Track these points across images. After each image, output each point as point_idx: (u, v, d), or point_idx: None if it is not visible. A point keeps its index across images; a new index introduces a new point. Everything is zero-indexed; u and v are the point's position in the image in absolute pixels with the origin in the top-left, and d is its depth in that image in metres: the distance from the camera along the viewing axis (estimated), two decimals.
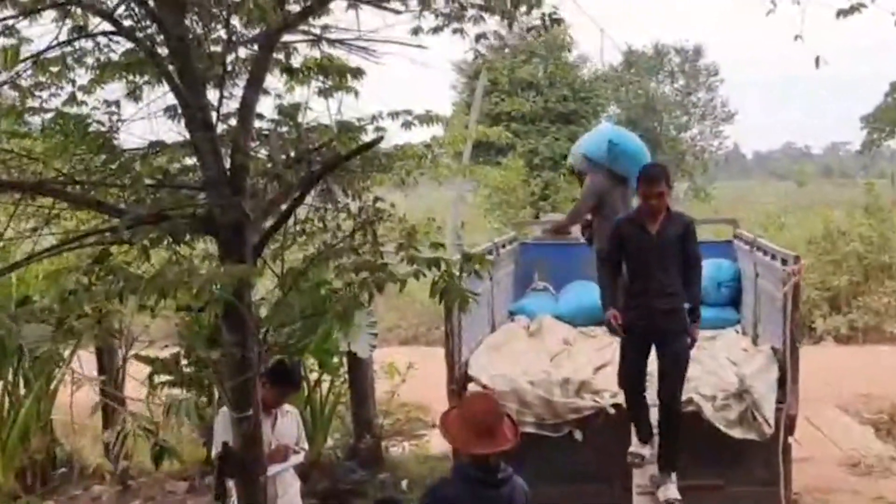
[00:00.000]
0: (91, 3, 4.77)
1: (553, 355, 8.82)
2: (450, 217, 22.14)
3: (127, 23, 4.89)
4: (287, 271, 5.30)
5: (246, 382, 5.51)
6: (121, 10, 4.84)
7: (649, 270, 7.03)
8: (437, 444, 10.85)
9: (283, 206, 5.71)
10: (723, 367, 8.28)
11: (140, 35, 4.90)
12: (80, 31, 4.96)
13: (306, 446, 6.74)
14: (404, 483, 9.78)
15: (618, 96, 42.25)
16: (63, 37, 4.90)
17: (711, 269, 10.46)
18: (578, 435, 7.45)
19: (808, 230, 20.95)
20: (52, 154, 5.16)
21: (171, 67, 4.86)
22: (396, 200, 5.73)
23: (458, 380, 7.63)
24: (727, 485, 7.41)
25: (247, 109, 5.17)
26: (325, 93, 5.56)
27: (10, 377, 9.78)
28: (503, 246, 10.52)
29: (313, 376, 9.93)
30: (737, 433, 7.28)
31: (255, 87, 5.08)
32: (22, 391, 9.85)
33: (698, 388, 7.49)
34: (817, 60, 5.83)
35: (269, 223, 5.70)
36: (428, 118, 5.67)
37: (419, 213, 7.69)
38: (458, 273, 4.90)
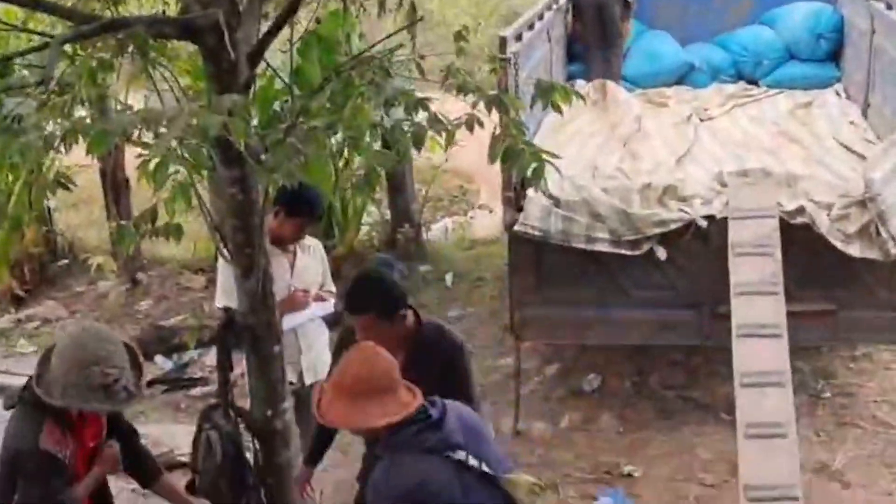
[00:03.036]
0: None
1: (625, 139, 7.36)
2: None
3: None
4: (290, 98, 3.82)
5: (249, 232, 4.23)
6: None
7: None
8: (481, 225, 9.67)
9: None
10: (834, 156, 6.82)
11: None
12: None
13: (333, 289, 5.48)
14: (448, 277, 8.66)
15: None
16: None
17: (808, 17, 8.87)
18: (661, 253, 6.11)
19: None
20: None
21: None
22: None
23: (514, 184, 6.20)
24: (841, 310, 6.13)
25: None
26: None
27: None
28: None
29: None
30: (855, 250, 5.92)
31: None
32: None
33: (811, 192, 6.07)
34: None
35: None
36: None
37: None
38: (530, 110, 3.47)
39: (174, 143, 3.03)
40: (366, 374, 3.21)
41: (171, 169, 2.96)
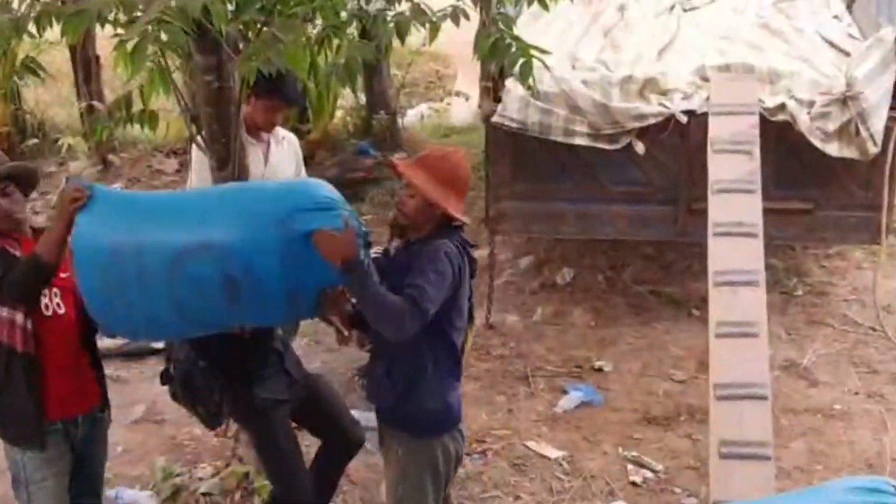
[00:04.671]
0: None
1: (607, 30, 7.20)
2: None
3: None
4: None
5: (225, 121, 4.16)
6: None
7: None
8: (458, 112, 9.54)
9: None
10: (818, 51, 6.72)
11: None
12: None
13: None
14: None
15: None
16: None
17: None
18: (640, 147, 6.05)
19: None
20: None
21: None
22: None
23: (493, 73, 6.09)
24: (817, 209, 6.13)
25: None
26: None
27: None
28: None
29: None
30: (833, 149, 5.87)
31: None
32: None
33: (793, 89, 5.99)
34: None
35: None
36: None
37: None
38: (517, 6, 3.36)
39: (151, 27, 2.93)
40: (462, 173, 3.54)
41: (149, 50, 2.85)
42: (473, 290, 3.72)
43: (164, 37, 2.91)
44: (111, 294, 3.40)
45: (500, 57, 3.04)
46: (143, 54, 2.72)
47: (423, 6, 3.07)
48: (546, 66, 3.28)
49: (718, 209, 5.46)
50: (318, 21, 4.02)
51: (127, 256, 3.34)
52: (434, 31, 3.08)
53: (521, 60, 3.06)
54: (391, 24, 2.97)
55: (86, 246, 3.38)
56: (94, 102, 7.62)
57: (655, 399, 5.71)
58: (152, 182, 8.60)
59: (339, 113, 9.00)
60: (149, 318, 3.44)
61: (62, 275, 3.57)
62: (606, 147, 6.04)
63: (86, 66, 8.75)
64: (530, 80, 3.18)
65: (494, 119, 6.06)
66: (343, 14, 3.68)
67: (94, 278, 3.38)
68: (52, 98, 10.14)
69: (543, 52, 3.20)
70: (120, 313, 3.45)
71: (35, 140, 9.07)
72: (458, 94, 9.04)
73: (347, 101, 9.17)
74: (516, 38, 3.10)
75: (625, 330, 6.51)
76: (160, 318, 3.44)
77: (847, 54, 6.55)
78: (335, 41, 3.49)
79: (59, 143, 8.49)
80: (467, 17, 3.06)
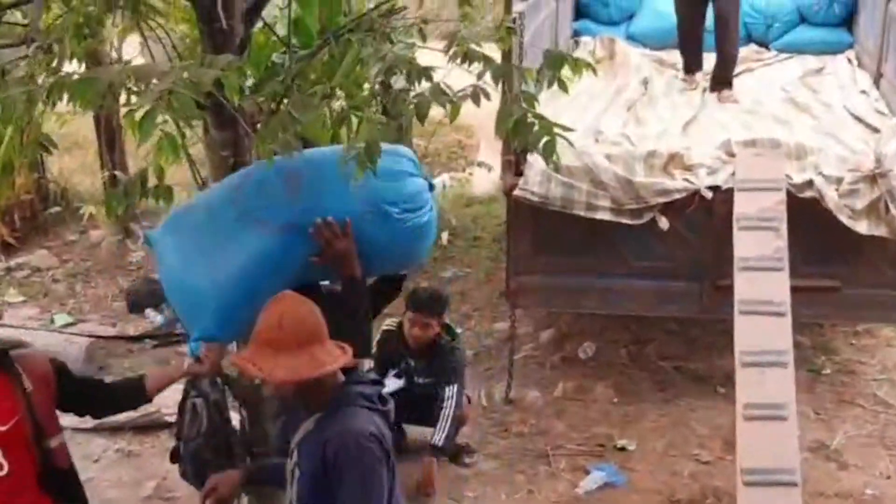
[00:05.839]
0: None
1: (631, 103, 7.17)
2: None
3: None
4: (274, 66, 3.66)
5: None
6: None
7: None
8: (480, 181, 9.51)
9: None
10: (845, 126, 6.65)
11: None
12: None
13: None
14: (444, 235, 8.48)
15: None
16: None
17: None
18: (664, 223, 5.96)
19: None
20: None
21: None
22: None
23: (515, 146, 6.02)
24: (845, 286, 5.99)
25: None
26: None
27: None
28: None
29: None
30: (862, 227, 5.77)
31: None
32: None
33: (820, 165, 5.90)
34: None
35: None
36: None
37: None
38: (538, 83, 3.31)
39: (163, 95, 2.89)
40: (309, 318, 2.93)
41: (159, 119, 2.80)
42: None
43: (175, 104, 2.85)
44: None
45: (523, 136, 2.98)
46: (153, 122, 2.67)
47: (443, 85, 3.02)
48: (570, 144, 3.20)
49: (745, 287, 5.37)
50: (340, 96, 4.01)
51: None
52: (455, 111, 3.04)
53: (544, 139, 2.99)
54: (411, 106, 2.90)
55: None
56: (117, 172, 7.63)
57: (681, 481, 5.55)
58: None
59: None
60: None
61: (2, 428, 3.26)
62: (630, 222, 5.95)
63: (109, 135, 8.80)
64: (555, 158, 3.11)
65: (516, 192, 6.00)
66: (365, 89, 3.64)
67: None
68: (77, 165, 10.19)
69: (567, 129, 3.13)
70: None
71: (58, 208, 9.08)
72: (480, 164, 8.98)
73: None
74: (539, 117, 3.03)
75: (648, 407, 6.36)
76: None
77: (875, 130, 6.48)
78: (355, 121, 3.43)
79: (81, 211, 8.49)
80: (488, 98, 3.01)
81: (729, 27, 7.47)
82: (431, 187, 3.56)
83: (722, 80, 7.48)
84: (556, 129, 3.03)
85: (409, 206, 3.44)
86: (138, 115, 2.84)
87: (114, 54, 7.73)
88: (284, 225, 3.36)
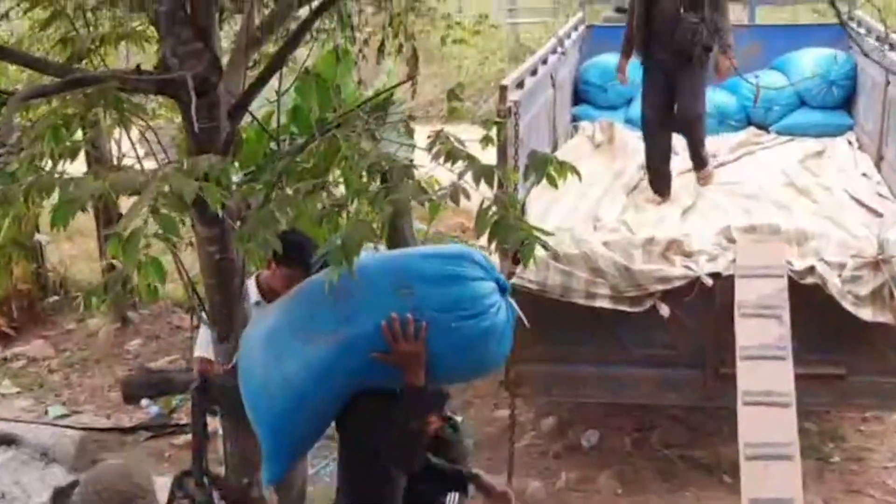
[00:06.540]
0: None
1: (629, 189, 7.14)
2: None
3: None
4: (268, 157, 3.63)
5: (227, 293, 4.03)
6: None
7: None
8: None
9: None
10: (847, 210, 6.60)
11: None
12: None
13: None
14: None
15: None
16: None
17: (821, 63, 8.68)
18: (664, 310, 5.86)
19: None
20: None
21: None
22: None
23: None
24: (850, 374, 5.88)
25: None
26: None
27: None
28: (568, 35, 8.59)
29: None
30: (866, 314, 5.67)
31: None
32: None
33: (822, 251, 5.83)
34: None
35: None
36: None
37: None
38: (523, 183, 3.26)
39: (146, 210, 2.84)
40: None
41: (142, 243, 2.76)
42: None
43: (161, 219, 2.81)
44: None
45: (502, 237, 2.91)
46: (136, 245, 2.63)
47: (423, 184, 2.97)
48: (546, 248, 3.13)
49: (748, 377, 5.27)
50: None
51: None
52: (434, 210, 2.98)
53: (524, 241, 2.93)
54: (388, 209, 2.84)
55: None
56: (114, 261, 7.58)
57: None
58: (171, 338, 8.51)
59: None
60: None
61: None
62: (629, 309, 5.87)
63: (108, 223, 8.76)
64: (531, 262, 3.04)
65: (514, 281, 5.91)
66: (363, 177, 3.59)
67: None
68: (78, 252, 10.17)
69: (546, 233, 3.07)
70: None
71: (56, 297, 9.04)
72: (481, 247, 8.93)
73: None
74: (519, 219, 2.98)
75: (653, 498, 6.21)
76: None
77: (877, 213, 6.44)
78: (339, 219, 3.38)
79: (78, 300, 8.42)
80: (468, 197, 2.96)
81: (693, 130, 7.40)
82: (503, 290, 3.40)
83: (696, 165, 7.44)
84: (535, 233, 2.96)
85: (467, 312, 3.25)
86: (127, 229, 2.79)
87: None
88: (330, 337, 3.24)
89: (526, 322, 3.52)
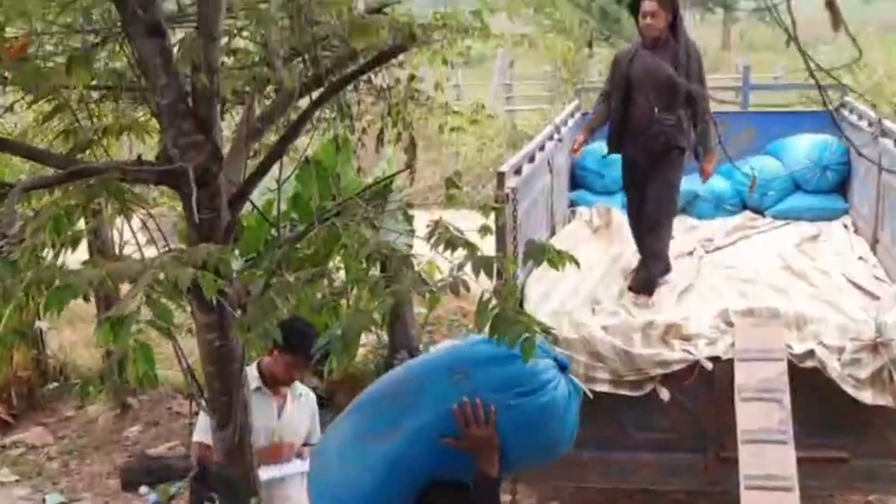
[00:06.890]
0: None
1: (627, 272, 7.18)
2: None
3: None
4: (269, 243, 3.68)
5: (227, 380, 4.04)
6: None
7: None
8: None
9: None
10: (844, 294, 6.63)
11: None
12: None
13: None
14: None
15: None
16: None
17: (815, 148, 8.79)
18: (664, 394, 5.86)
19: None
20: None
21: None
22: None
23: None
24: (852, 458, 5.85)
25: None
26: None
27: None
28: (564, 122, 8.72)
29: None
30: (866, 397, 5.68)
31: None
32: None
33: (821, 335, 5.85)
34: None
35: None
36: None
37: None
38: (522, 269, 3.30)
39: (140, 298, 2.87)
40: None
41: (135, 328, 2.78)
42: None
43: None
44: None
45: (502, 332, 2.91)
46: (128, 331, 2.65)
47: (423, 272, 3.00)
48: (547, 333, 3.14)
49: (749, 461, 5.25)
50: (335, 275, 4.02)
51: None
52: (434, 301, 3.01)
53: (524, 336, 2.94)
54: (388, 299, 2.87)
55: None
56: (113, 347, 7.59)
57: None
58: (170, 424, 8.47)
59: (361, 351, 8.93)
60: None
61: None
62: (629, 394, 5.86)
63: (108, 309, 8.78)
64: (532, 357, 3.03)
65: None
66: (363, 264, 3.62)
67: None
68: (79, 338, 10.16)
69: (547, 329, 3.09)
70: None
71: (56, 384, 9.02)
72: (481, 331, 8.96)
73: (369, 339, 9.12)
74: (519, 311, 3.00)
75: None
76: None
77: (874, 297, 6.46)
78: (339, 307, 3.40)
79: (75, 389, 8.42)
80: (467, 289, 2.99)
81: (659, 228, 7.00)
82: (563, 367, 3.34)
83: (642, 283, 6.87)
84: (535, 327, 2.97)
85: (524, 388, 3.19)
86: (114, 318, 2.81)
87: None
88: (393, 432, 3.21)
89: (591, 395, 3.43)
